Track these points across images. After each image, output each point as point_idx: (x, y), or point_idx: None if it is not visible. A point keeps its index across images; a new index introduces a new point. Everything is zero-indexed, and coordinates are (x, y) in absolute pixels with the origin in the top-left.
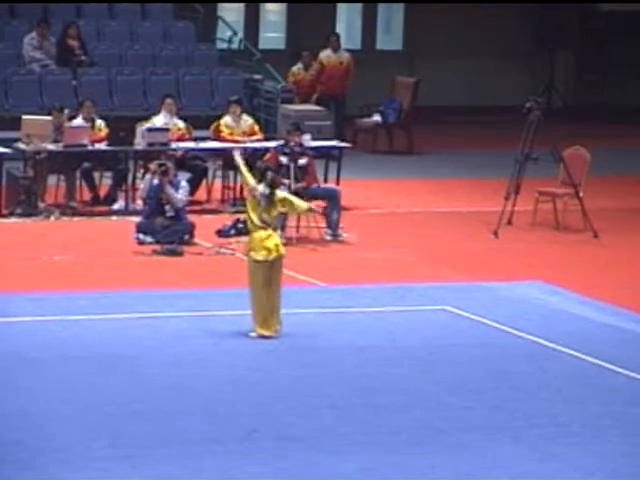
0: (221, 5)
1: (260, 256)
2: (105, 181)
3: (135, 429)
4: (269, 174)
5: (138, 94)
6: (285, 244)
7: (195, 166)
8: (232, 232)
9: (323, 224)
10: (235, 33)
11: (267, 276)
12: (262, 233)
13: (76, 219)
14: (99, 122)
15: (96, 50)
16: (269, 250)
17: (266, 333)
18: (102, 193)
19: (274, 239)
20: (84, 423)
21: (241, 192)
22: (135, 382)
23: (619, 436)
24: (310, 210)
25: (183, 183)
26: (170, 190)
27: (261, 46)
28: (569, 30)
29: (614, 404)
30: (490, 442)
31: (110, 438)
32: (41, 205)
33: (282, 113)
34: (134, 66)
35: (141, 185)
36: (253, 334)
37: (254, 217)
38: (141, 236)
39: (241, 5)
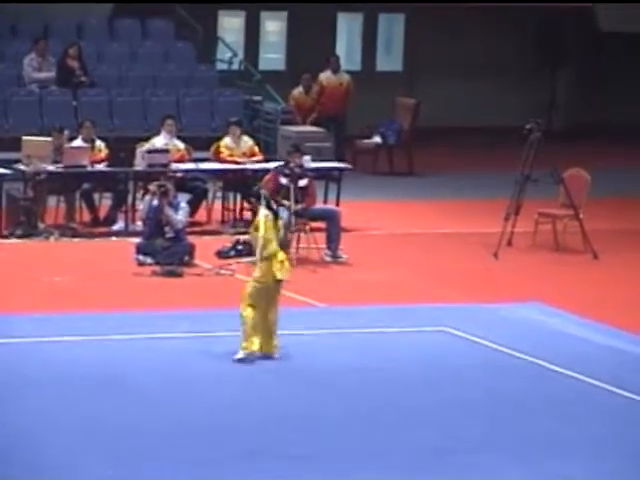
0: (221, 26)
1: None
2: (105, 202)
3: (135, 449)
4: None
5: (138, 115)
6: None
7: (195, 187)
8: (232, 253)
9: (323, 245)
10: (235, 54)
11: (269, 298)
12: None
13: (76, 240)
14: (99, 143)
15: (96, 71)
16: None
17: (267, 352)
18: (102, 214)
19: (287, 263)
20: (85, 442)
21: (241, 213)
22: (135, 402)
23: (619, 456)
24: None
25: (183, 204)
26: (170, 211)
27: (261, 67)
28: (570, 50)
29: (614, 425)
30: (490, 462)
31: (111, 458)
32: (41, 226)
33: (282, 134)
34: (134, 87)
35: (141, 206)
36: (240, 355)
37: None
38: (141, 257)
39: (241, 26)
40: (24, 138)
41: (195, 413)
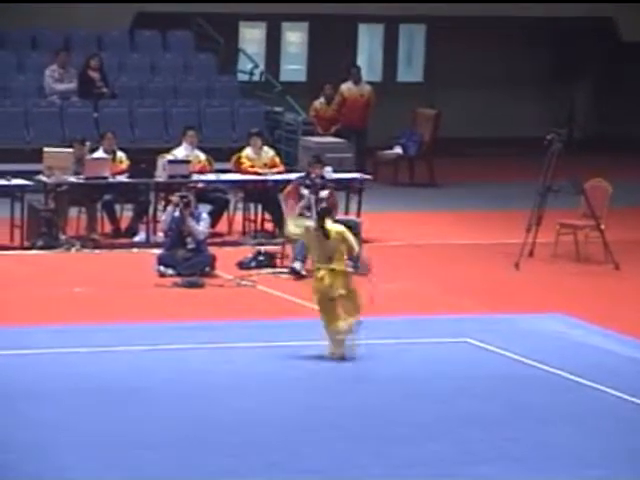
0: (242, 37)
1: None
2: (126, 213)
3: (152, 461)
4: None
5: (159, 126)
6: (305, 276)
7: (216, 198)
8: (253, 264)
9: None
10: (256, 65)
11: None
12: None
13: (97, 251)
14: (120, 154)
15: (117, 82)
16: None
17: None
18: (123, 225)
19: (327, 280)
20: (100, 455)
21: (262, 224)
22: (153, 414)
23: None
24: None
25: (204, 215)
26: (191, 222)
27: (282, 78)
28: (589, 60)
29: (634, 436)
30: (508, 474)
31: (127, 470)
32: (62, 237)
33: (303, 145)
34: (155, 98)
35: (162, 217)
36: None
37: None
38: (162, 268)
39: (262, 37)
40: (45, 149)
41: (213, 424)
